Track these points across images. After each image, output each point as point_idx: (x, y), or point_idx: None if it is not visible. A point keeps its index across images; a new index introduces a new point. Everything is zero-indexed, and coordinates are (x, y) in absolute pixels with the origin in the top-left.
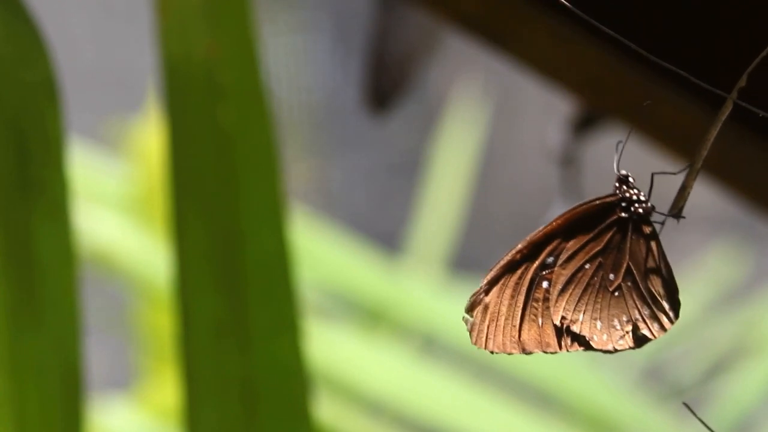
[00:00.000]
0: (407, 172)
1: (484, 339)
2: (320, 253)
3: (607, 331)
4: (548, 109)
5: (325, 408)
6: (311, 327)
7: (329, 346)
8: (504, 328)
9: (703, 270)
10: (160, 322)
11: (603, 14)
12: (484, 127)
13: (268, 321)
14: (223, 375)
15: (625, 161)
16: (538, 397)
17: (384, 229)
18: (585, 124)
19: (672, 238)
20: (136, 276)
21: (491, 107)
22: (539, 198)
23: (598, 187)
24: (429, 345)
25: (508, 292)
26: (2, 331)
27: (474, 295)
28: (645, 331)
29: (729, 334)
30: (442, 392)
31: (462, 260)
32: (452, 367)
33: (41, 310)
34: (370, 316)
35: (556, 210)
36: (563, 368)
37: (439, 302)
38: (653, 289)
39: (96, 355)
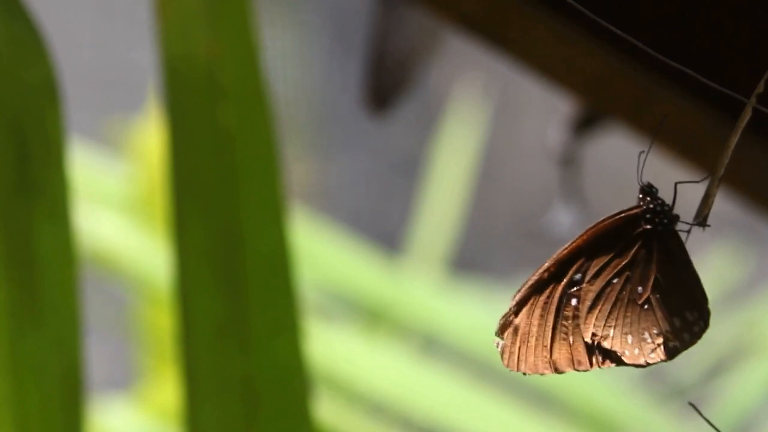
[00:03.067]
0: (407, 172)
1: (516, 361)
2: (320, 253)
3: (639, 345)
4: (548, 109)
5: (325, 408)
6: (311, 327)
7: (329, 346)
8: (535, 348)
9: (704, 270)
10: (160, 322)
11: (603, 14)
12: (485, 127)
13: (268, 321)
14: (224, 375)
15: (626, 163)
16: (538, 397)
17: (384, 229)
18: (585, 124)
19: None
20: (136, 276)
21: (491, 107)
22: (539, 198)
23: (598, 187)
24: (429, 345)
25: (538, 312)
26: (2, 331)
27: (503, 317)
28: (676, 343)
29: (730, 334)
30: (442, 392)
31: (462, 260)
32: (452, 367)
33: (41, 310)
34: (370, 316)
35: (556, 210)
36: None
37: (439, 302)
38: (682, 300)
39: (96, 355)
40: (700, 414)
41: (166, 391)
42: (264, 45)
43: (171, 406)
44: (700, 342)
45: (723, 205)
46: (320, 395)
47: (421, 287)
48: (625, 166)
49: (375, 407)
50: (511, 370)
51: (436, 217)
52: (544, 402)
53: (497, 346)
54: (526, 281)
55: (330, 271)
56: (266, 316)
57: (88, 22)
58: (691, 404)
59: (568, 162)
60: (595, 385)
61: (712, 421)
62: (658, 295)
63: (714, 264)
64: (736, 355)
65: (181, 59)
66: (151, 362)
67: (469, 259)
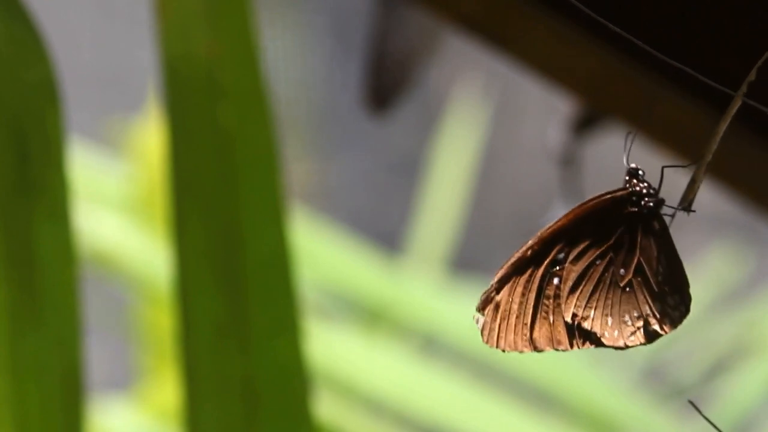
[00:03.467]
0: (407, 172)
1: (495, 337)
2: (320, 253)
3: (618, 327)
4: (548, 109)
5: (325, 408)
6: (311, 327)
7: (329, 346)
8: (515, 326)
9: (703, 270)
10: (160, 322)
11: (603, 14)
12: (485, 127)
13: (268, 321)
14: (224, 375)
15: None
16: (538, 397)
17: (384, 229)
18: (585, 124)
19: (673, 238)
20: (136, 276)
21: (491, 107)
22: (539, 198)
23: (598, 187)
24: (429, 345)
25: (519, 289)
26: (2, 331)
27: (485, 293)
28: (656, 327)
29: (729, 334)
30: (442, 392)
31: (462, 260)
32: (452, 367)
33: (41, 310)
34: (370, 316)
35: (556, 210)
36: (563, 368)
37: (439, 302)
38: (664, 284)
39: (96, 355)
40: (700, 413)
41: (166, 391)
42: (264, 45)
43: (171, 406)
44: (699, 342)
45: (723, 205)
46: (320, 395)
47: (421, 287)
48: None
49: (375, 407)
50: (491, 347)
51: (436, 217)
52: (544, 402)
53: (477, 323)
54: (509, 258)
55: (330, 271)
56: (266, 316)
57: (88, 22)
58: (691, 402)
59: (568, 162)
60: (595, 385)
61: (712, 421)
62: (639, 279)
63: (714, 264)
64: (736, 355)
65: (181, 59)
66: (151, 362)
67: (469, 259)
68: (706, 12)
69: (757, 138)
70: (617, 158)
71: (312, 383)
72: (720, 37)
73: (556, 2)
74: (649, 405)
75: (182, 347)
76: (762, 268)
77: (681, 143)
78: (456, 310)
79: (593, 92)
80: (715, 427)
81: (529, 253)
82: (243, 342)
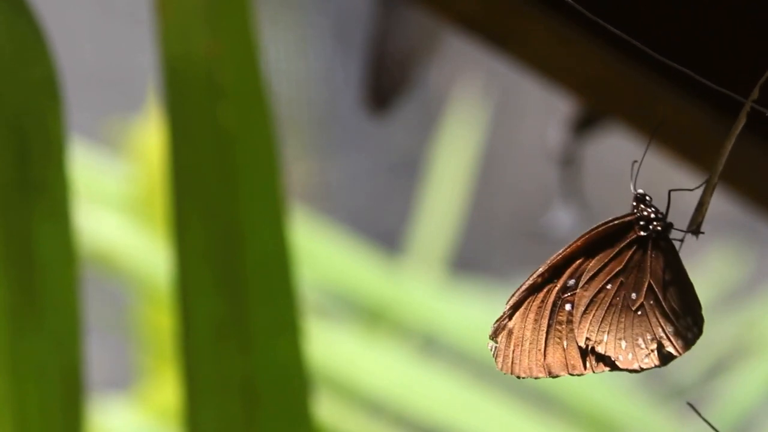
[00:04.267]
0: (407, 172)
1: (510, 364)
2: (320, 253)
3: (632, 350)
4: (548, 109)
5: (325, 408)
6: (311, 327)
7: (329, 346)
8: (529, 352)
9: (704, 270)
10: (160, 322)
11: (603, 14)
12: (485, 127)
13: (268, 321)
14: (223, 375)
15: (626, 163)
16: (538, 397)
17: (384, 229)
18: (585, 124)
19: (673, 239)
20: (137, 276)
21: (491, 107)
22: (539, 198)
23: (598, 187)
24: (429, 345)
25: (532, 316)
26: (2, 331)
27: (497, 320)
28: (670, 348)
29: (729, 334)
30: (442, 392)
31: (462, 260)
32: (452, 367)
33: (41, 310)
34: (370, 316)
35: (556, 210)
36: None
37: (439, 302)
38: (675, 306)
39: (96, 355)
40: (699, 414)
41: (166, 391)
42: (264, 45)
43: (171, 406)
44: (699, 342)
45: (723, 205)
46: (320, 395)
47: (421, 287)
48: (625, 166)
49: (375, 407)
50: (506, 373)
51: (436, 217)
52: (544, 402)
53: (491, 350)
54: (521, 285)
55: (330, 271)
56: (266, 316)
57: (88, 22)
58: (690, 404)
59: (568, 162)
60: (595, 385)
61: (711, 422)
62: (651, 301)
63: (714, 264)
64: (736, 355)
65: (181, 59)
66: (151, 362)
67: (469, 259)
68: (706, 12)
69: (758, 139)
70: (617, 158)
71: (312, 383)
72: (719, 37)
73: (556, 2)
74: (649, 405)
75: (182, 347)
76: (762, 268)
77: (680, 143)
78: (456, 310)
79: (593, 92)
80: (713, 428)
81: (540, 279)
82: (243, 342)
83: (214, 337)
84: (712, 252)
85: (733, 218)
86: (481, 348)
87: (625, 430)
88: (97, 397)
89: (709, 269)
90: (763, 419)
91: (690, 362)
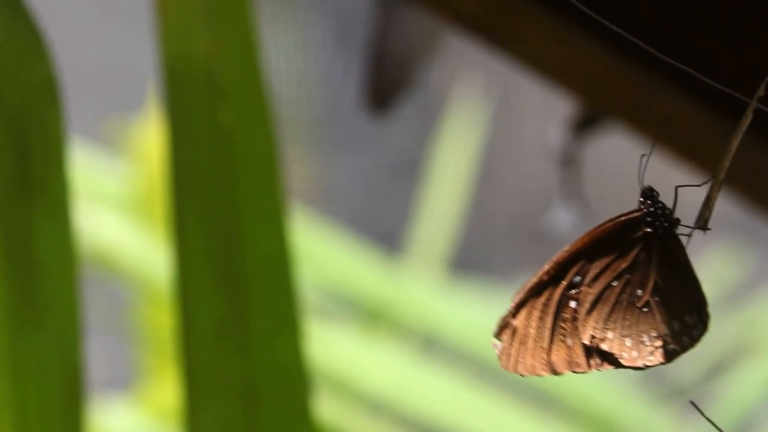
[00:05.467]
0: (407, 172)
1: (513, 362)
2: (320, 253)
3: (637, 347)
4: (548, 109)
5: (325, 408)
6: (311, 327)
7: (329, 346)
8: (533, 350)
9: (704, 271)
10: (161, 322)
11: (603, 14)
12: (485, 127)
13: (268, 321)
14: (223, 375)
15: (626, 163)
16: (538, 397)
17: (384, 229)
18: (585, 124)
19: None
20: (137, 276)
21: (491, 107)
22: (539, 198)
23: (598, 187)
24: (429, 345)
25: (536, 314)
26: (2, 331)
27: (502, 318)
28: (675, 346)
29: (730, 334)
30: (442, 392)
31: (462, 260)
32: (452, 367)
33: (41, 310)
34: (370, 316)
35: (556, 210)
36: None
37: (439, 302)
38: (681, 303)
39: (96, 355)
40: (702, 413)
41: (166, 391)
42: (264, 45)
43: (171, 406)
44: (700, 342)
45: (723, 205)
46: (320, 395)
47: (421, 287)
48: (625, 166)
49: (375, 407)
50: (508, 372)
51: (436, 217)
52: (544, 402)
53: (495, 348)
54: (525, 283)
55: (330, 271)
56: (266, 316)
57: (88, 22)
58: (692, 403)
59: (568, 162)
60: (595, 385)
61: (713, 421)
62: (657, 298)
63: (714, 264)
64: (736, 355)
65: (181, 59)
66: (151, 362)
67: (469, 259)
68: (706, 12)
69: (758, 139)
70: (617, 158)
71: (312, 383)
72: (720, 37)
73: (556, 2)
74: (649, 405)
75: (182, 347)
76: (762, 268)
77: (681, 143)
78: (456, 310)
79: (593, 92)
80: (716, 427)
81: (545, 277)
82: (243, 342)
83: (214, 338)
84: (712, 252)
85: (733, 218)
86: (482, 348)
87: (625, 430)
88: (97, 397)
89: (709, 269)
90: (763, 419)
91: (690, 362)
